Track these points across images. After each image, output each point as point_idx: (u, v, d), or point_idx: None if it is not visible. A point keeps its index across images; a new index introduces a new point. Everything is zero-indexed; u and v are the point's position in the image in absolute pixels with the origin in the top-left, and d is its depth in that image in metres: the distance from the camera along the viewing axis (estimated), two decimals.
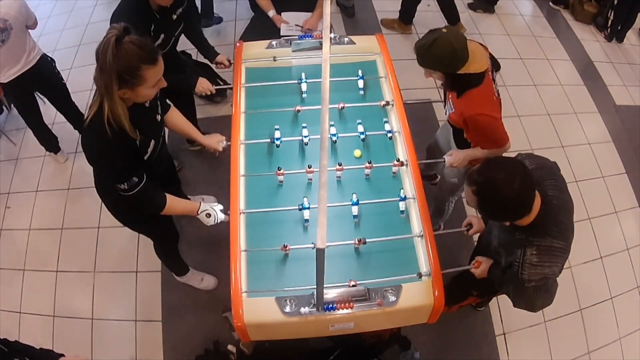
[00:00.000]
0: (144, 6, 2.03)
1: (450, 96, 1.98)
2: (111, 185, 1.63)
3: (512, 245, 1.52)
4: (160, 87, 1.59)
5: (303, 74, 2.25)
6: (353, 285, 1.65)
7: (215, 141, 2.09)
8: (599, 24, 4.43)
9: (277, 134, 2.06)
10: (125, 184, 1.60)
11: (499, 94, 1.96)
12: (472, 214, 2.09)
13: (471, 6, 4.39)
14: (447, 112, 2.02)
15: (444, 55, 1.74)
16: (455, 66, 1.76)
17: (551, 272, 1.51)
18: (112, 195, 1.76)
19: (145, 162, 1.72)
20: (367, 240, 1.77)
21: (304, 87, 2.24)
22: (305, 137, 2.04)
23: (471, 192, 1.42)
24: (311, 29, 2.72)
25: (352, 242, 1.75)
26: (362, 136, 2.08)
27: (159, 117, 1.83)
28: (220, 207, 1.88)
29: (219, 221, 1.85)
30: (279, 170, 1.92)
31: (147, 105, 1.67)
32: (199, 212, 1.83)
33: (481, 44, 1.91)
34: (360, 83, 2.27)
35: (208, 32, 3.98)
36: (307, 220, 1.85)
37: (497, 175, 1.35)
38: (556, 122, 3.61)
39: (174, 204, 1.78)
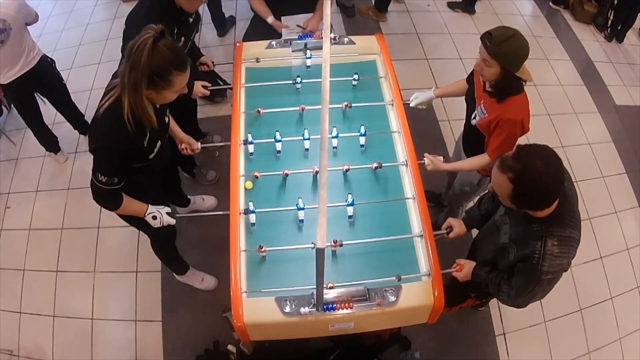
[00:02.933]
0: (169, 8, 2.03)
1: (482, 102, 1.96)
2: (93, 170, 1.64)
3: (529, 238, 1.50)
4: (181, 92, 1.62)
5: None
6: (331, 287, 1.65)
7: (193, 141, 2.14)
8: (599, 24, 4.43)
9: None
10: (105, 177, 1.62)
11: None
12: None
13: (450, 5, 4.38)
14: (476, 118, 1.99)
15: (518, 51, 1.74)
16: (519, 66, 1.76)
17: (567, 264, 1.51)
18: None
19: (150, 160, 1.74)
20: (368, 240, 1.77)
21: (299, 86, 2.26)
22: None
23: (506, 180, 1.37)
24: (312, 30, 2.72)
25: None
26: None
27: (167, 119, 1.85)
28: (167, 209, 1.91)
29: (165, 223, 1.89)
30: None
31: (157, 106, 1.68)
32: (145, 214, 1.86)
33: None
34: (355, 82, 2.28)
35: (207, 31, 3.99)
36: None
37: (536, 162, 1.33)
38: (556, 122, 3.61)
39: (126, 205, 1.80)
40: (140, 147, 1.64)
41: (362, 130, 2.06)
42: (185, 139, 2.13)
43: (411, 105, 2.33)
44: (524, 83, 1.85)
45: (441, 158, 2.08)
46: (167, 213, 1.90)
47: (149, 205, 1.87)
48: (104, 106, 1.55)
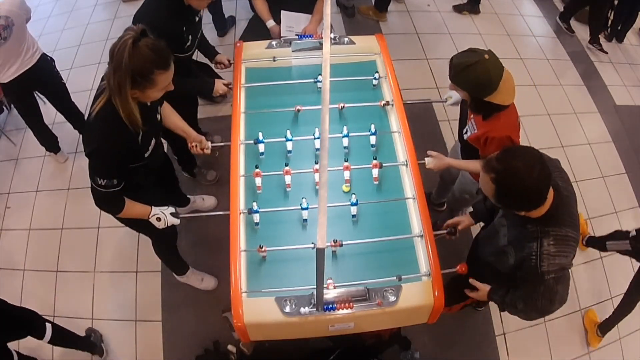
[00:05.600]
0: (177, 7, 2.02)
1: (472, 117, 1.95)
2: (92, 175, 1.64)
3: (525, 240, 1.51)
4: (168, 90, 1.62)
5: (320, 77, 2.24)
6: (332, 288, 1.65)
7: (204, 139, 2.11)
8: None
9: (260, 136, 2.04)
10: (104, 180, 1.62)
11: (519, 118, 1.93)
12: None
13: (456, 8, 4.38)
14: (468, 132, 1.98)
15: (478, 81, 1.70)
16: (483, 93, 1.73)
17: (567, 263, 1.51)
18: None
19: (146, 159, 1.74)
20: (368, 240, 1.78)
21: (320, 85, 2.22)
22: (290, 140, 2.03)
23: (489, 180, 1.40)
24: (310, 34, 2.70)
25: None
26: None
27: (159, 117, 1.85)
28: (171, 210, 1.90)
29: (169, 224, 1.88)
30: (257, 169, 1.92)
31: (148, 104, 1.69)
32: (150, 216, 1.85)
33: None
34: (374, 82, 2.29)
35: (207, 32, 3.99)
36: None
37: (518, 164, 1.35)
38: (556, 122, 3.61)
39: (129, 209, 1.79)
40: (135, 146, 1.65)
41: (373, 128, 2.07)
42: (197, 138, 2.09)
43: (447, 104, 2.29)
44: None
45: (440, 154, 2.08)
46: (171, 213, 1.89)
47: (153, 207, 1.86)
48: (95, 109, 1.56)
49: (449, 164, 2.07)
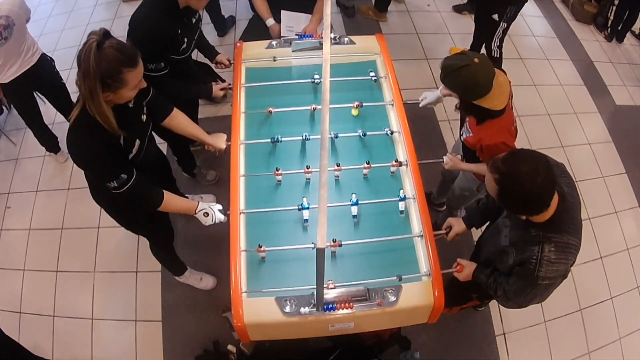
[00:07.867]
0: (172, 9, 2.02)
1: (468, 120, 1.97)
2: (101, 184, 1.63)
3: (527, 243, 1.51)
4: (140, 87, 1.61)
5: (316, 75, 2.26)
6: (332, 288, 1.65)
7: (221, 140, 2.09)
8: (599, 24, 4.43)
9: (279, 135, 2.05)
10: (114, 181, 1.61)
11: (515, 123, 1.93)
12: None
13: (456, 8, 4.37)
14: (464, 135, 2.00)
15: (464, 84, 1.71)
16: (471, 97, 1.74)
17: (565, 270, 1.52)
18: (106, 196, 1.77)
19: (130, 161, 1.73)
20: (368, 240, 1.78)
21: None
22: (307, 138, 2.05)
23: (493, 180, 1.41)
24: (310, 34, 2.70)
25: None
26: (362, 134, 2.09)
27: (144, 117, 1.82)
28: (219, 206, 1.87)
29: (217, 221, 1.84)
30: (277, 171, 1.92)
31: (130, 105, 1.68)
32: (197, 211, 1.83)
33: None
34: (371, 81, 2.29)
35: (207, 32, 3.99)
36: (306, 220, 1.85)
37: (522, 168, 1.35)
38: (556, 122, 3.61)
39: (171, 201, 1.78)
40: (118, 147, 1.63)
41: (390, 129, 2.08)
42: (213, 142, 2.06)
43: (420, 105, 2.31)
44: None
45: (459, 157, 2.13)
46: (219, 210, 1.85)
47: (200, 202, 1.84)
48: (72, 118, 1.55)
49: (463, 169, 2.12)
